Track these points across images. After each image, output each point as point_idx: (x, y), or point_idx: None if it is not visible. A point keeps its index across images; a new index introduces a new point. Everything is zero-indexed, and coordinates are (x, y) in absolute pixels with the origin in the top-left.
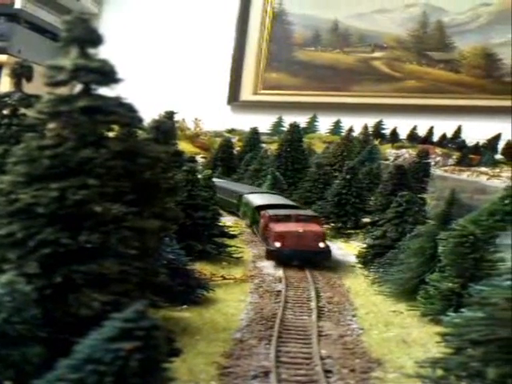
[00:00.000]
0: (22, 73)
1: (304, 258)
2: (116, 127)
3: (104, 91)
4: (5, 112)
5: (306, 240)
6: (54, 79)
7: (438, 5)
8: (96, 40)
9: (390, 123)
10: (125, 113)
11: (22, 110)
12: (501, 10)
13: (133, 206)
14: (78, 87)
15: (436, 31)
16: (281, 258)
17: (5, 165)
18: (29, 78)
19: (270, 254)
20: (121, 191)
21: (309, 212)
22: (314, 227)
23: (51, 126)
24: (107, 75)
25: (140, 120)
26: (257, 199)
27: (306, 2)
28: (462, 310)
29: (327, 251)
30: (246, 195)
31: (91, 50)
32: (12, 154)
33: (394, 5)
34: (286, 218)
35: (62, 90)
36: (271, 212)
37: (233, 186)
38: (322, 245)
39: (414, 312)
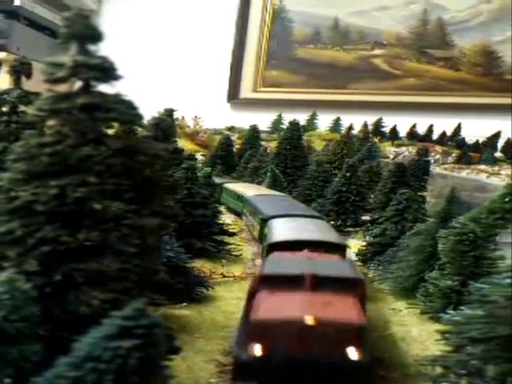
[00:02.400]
0: (21, 70)
1: (313, 378)
2: (115, 124)
3: (104, 88)
4: (4, 109)
5: (319, 340)
6: (54, 76)
7: (438, 2)
8: (96, 37)
9: (389, 121)
10: (125, 110)
11: (22, 108)
12: (501, 8)
13: (132, 203)
14: (78, 84)
15: (436, 29)
16: (262, 380)
17: (4, 162)
18: (28, 75)
19: (238, 371)
20: (120, 189)
21: (345, 268)
22: (343, 309)
23: (51, 123)
24: (107, 72)
25: (140, 117)
26: (283, 228)
27: None
28: (462, 307)
29: (366, 367)
30: (272, 221)
31: (91, 47)
32: (11, 152)
33: (394, 2)
34: (294, 282)
35: (62, 87)
36: (267, 268)
37: (258, 200)
38: (353, 353)
39: (413, 310)
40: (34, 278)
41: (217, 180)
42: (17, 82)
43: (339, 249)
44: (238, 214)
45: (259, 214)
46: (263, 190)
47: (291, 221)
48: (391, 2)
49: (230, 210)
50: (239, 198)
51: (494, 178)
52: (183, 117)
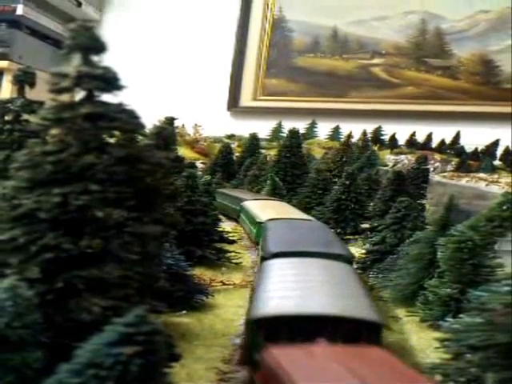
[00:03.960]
0: (25, 79)
1: None
2: (118, 133)
3: (107, 98)
4: (7, 118)
5: None
6: (58, 86)
7: (436, 12)
8: (99, 48)
9: (388, 129)
10: (128, 119)
11: (25, 116)
12: (499, 18)
13: (134, 211)
14: (81, 94)
15: (434, 38)
16: None
17: (7, 170)
18: (32, 85)
19: None
20: (122, 197)
21: None
22: None
23: (54, 132)
24: (110, 82)
25: (142, 126)
26: (282, 282)
27: (306, 9)
28: (461, 315)
29: None
30: (272, 262)
31: (95, 58)
32: (15, 160)
33: (392, 12)
34: None
35: (65, 97)
36: None
37: (273, 227)
38: None
39: (412, 318)
40: (36, 285)
41: (236, 194)
42: (20, 91)
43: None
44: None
45: (262, 248)
46: (289, 212)
47: (300, 264)
48: (389, 12)
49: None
50: (253, 221)
51: (494, 186)
52: (183, 125)
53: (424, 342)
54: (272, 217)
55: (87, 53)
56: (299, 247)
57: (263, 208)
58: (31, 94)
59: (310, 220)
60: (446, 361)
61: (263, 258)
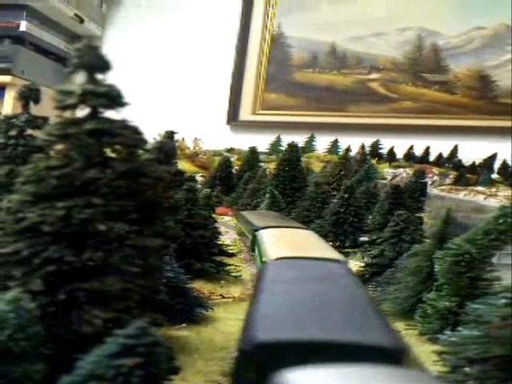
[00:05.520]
0: (29, 95)
1: None
2: (120, 148)
3: (110, 114)
4: (12, 133)
5: None
6: (63, 103)
7: (432, 28)
8: (104, 66)
9: (386, 143)
10: (130, 135)
11: (29, 131)
12: (494, 34)
13: (135, 224)
14: (86, 110)
15: (431, 54)
16: None
17: (11, 184)
18: (36, 101)
19: None
20: (124, 210)
21: None
22: None
23: (59, 147)
24: (114, 99)
25: (145, 142)
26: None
27: (304, 25)
28: (459, 328)
29: None
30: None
31: (99, 76)
32: (19, 174)
33: (389, 28)
34: None
35: (67, 113)
36: None
37: (277, 275)
38: None
39: (411, 331)
40: (39, 297)
41: (251, 219)
42: (25, 107)
43: None
44: None
45: (241, 332)
46: (310, 247)
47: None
48: (386, 28)
49: None
50: (262, 259)
51: (492, 200)
52: (183, 138)
53: (424, 355)
54: (284, 255)
55: (92, 71)
56: (307, 332)
57: (278, 240)
58: (34, 108)
59: (334, 260)
60: (445, 374)
61: (240, 362)
